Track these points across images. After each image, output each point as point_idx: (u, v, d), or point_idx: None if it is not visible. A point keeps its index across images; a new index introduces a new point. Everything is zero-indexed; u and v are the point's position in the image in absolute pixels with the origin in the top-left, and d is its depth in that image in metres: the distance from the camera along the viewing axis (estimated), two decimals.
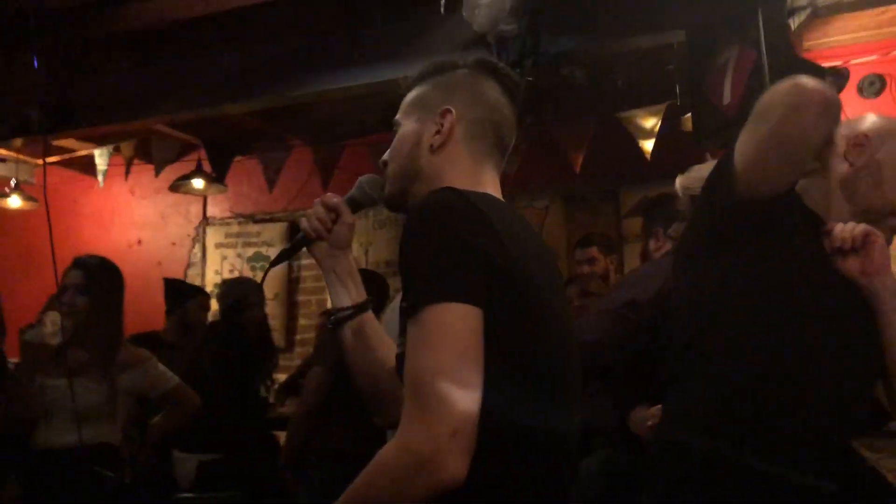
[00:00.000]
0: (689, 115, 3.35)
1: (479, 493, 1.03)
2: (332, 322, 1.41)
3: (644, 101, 4.17)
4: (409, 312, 1.05)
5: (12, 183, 5.26)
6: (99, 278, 2.83)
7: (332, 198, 1.42)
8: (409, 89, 1.37)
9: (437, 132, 1.27)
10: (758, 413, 1.44)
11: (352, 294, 1.41)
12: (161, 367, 2.99)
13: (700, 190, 1.69)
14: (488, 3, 2.71)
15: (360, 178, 1.44)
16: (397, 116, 1.35)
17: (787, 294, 1.48)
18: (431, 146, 1.28)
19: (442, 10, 2.90)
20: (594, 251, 3.99)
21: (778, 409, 1.44)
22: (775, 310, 1.47)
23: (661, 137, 4.14)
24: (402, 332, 1.13)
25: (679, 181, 2.23)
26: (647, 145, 4.19)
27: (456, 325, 1.01)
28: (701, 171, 2.12)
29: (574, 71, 3.63)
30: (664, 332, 1.73)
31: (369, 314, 1.42)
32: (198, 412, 3.11)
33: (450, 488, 0.97)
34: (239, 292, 4.04)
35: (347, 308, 1.40)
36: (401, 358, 1.12)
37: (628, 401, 2.44)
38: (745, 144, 1.44)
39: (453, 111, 1.27)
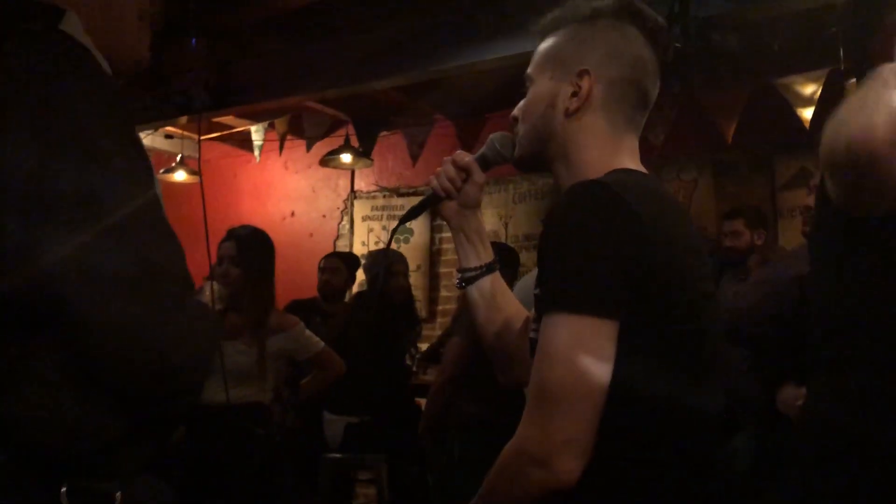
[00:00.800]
0: (854, 80, 3.11)
1: (627, 480, 1.04)
2: (461, 280, 1.41)
3: (803, 66, 3.92)
4: (544, 310, 1.05)
5: (178, 158, 5.64)
6: (250, 249, 2.97)
7: (463, 156, 1.38)
8: (543, 34, 1.28)
9: (574, 94, 1.20)
10: None
11: (480, 254, 1.41)
12: (308, 332, 3.13)
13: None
14: None
15: (491, 136, 1.39)
16: (529, 70, 1.28)
17: None
18: (567, 110, 1.20)
19: None
20: (739, 224, 3.88)
21: None
22: None
23: (822, 104, 3.89)
24: (537, 319, 1.13)
25: None
26: (806, 113, 3.95)
27: (588, 338, 1.00)
28: None
29: (726, 36, 3.44)
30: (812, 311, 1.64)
31: (496, 275, 1.41)
32: (342, 376, 3.24)
33: (562, 491, 0.99)
34: (384, 262, 4.16)
35: (475, 268, 1.40)
36: (534, 343, 1.12)
37: (777, 379, 2.36)
38: (828, 184, 1.27)
39: (591, 73, 1.19)
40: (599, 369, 1.00)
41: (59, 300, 0.86)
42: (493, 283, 1.40)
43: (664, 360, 1.06)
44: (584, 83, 1.20)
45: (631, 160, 1.23)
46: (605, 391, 1.00)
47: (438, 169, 1.40)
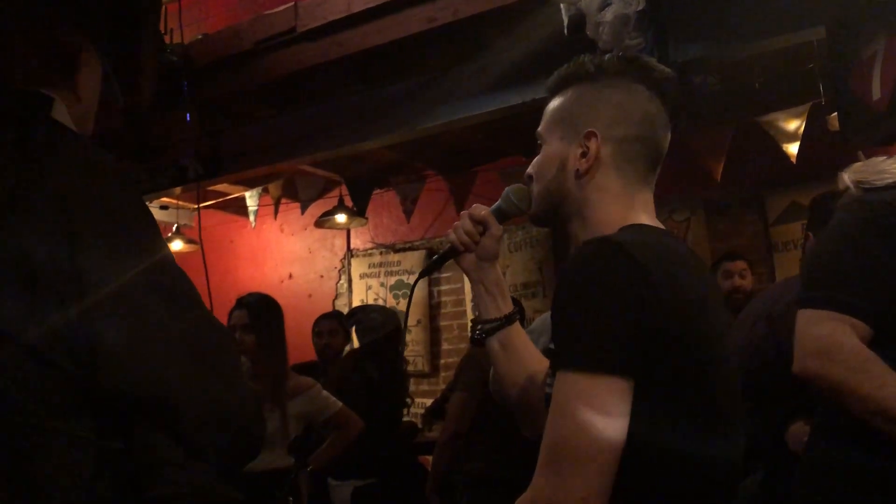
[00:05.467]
0: (836, 113, 3.16)
1: None
2: (481, 332, 1.41)
3: (785, 102, 3.98)
4: (558, 366, 1.05)
5: (174, 228, 5.68)
6: (262, 316, 3.01)
7: (480, 210, 1.40)
8: (552, 93, 1.30)
9: (583, 155, 1.21)
10: None
11: (500, 305, 1.41)
12: (325, 392, 3.15)
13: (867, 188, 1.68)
14: (612, 19, 2.67)
15: (507, 189, 1.39)
16: (540, 128, 1.29)
17: None
18: (577, 171, 1.21)
19: (566, 31, 2.89)
20: (744, 263, 3.89)
21: None
22: None
23: (807, 139, 3.94)
24: (552, 374, 1.13)
25: (850, 177, 1.98)
26: (792, 148, 4.00)
27: (601, 397, 0.99)
28: (876, 165, 1.92)
29: (707, 78, 3.51)
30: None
31: (517, 325, 1.41)
32: (362, 435, 3.21)
33: None
34: (395, 322, 4.09)
35: (495, 319, 1.40)
36: (549, 398, 1.11)
37: (784, 417, 2.33)
38: None
39: (598, 134, 1.20)
40: (612, 427, 0.99)
41: (156, 398, 0.95)
42: (514, 333, 1.40)
43: (680, 418, 1.04)
44: (592, 145, 1.20)
45: (646, 215, 1.22)
46: (618, 449, 0.99)
47: (456, 223, 1.41)
